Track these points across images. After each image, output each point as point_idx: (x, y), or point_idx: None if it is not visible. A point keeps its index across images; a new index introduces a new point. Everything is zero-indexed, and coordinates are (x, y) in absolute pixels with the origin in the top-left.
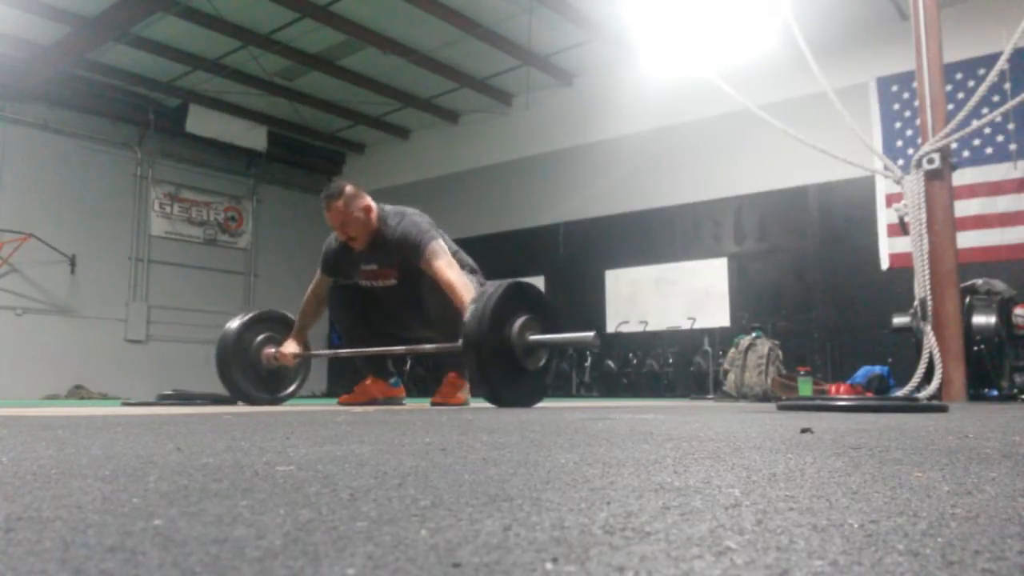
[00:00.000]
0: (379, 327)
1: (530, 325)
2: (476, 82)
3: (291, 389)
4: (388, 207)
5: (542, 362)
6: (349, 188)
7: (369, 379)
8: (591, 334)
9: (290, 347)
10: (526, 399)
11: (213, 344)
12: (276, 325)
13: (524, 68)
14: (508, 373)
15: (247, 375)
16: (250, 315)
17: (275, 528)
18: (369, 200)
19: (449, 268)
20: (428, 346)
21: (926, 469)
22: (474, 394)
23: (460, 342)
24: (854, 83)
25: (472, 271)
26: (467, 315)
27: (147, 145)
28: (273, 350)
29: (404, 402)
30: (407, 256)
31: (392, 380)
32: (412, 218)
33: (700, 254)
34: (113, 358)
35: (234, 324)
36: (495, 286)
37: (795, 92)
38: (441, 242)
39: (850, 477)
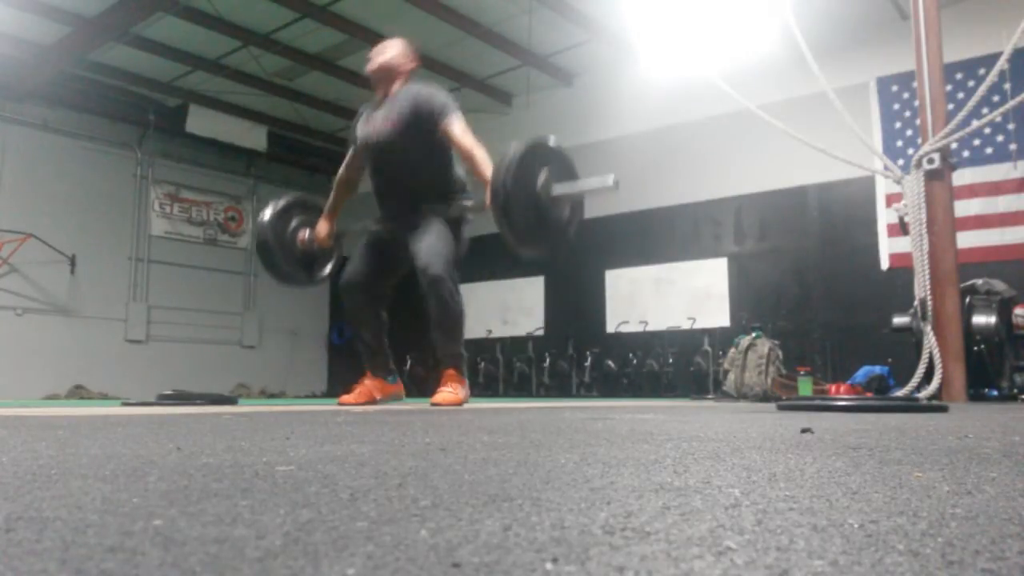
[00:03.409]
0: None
1: (553, 179)
2: (476, 82)
3: (327, 271)
4: None
5: (566, 214)
6: (414, 49)
7: (367, 378)
8: (609, 176)
9: (324, 227)
10: (550, 248)
11: (213, 344)
12: (309, 210)
13: (524, 68)
14: (533, 222)
15: (286, 258)
16: (284, 200)
17: (275, 528)
18: (415, 65)
19: (467, 134)
20: (460, 200)
21: (926, 469)
22: (509, 244)
23: (486, 197)
24: (854, 83)
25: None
26: (494, 168)
27: (147, 145)
28: (308, 232)
29: (404, 398)
30: (425, 114)
31: (390, 377)
32: (443, 89)
33: (700, 254)
34: (113, 358)
35: (269, 211)
36: (518, 142)
37: (795, 92)
38: (462, 115)
39: (850, 477)
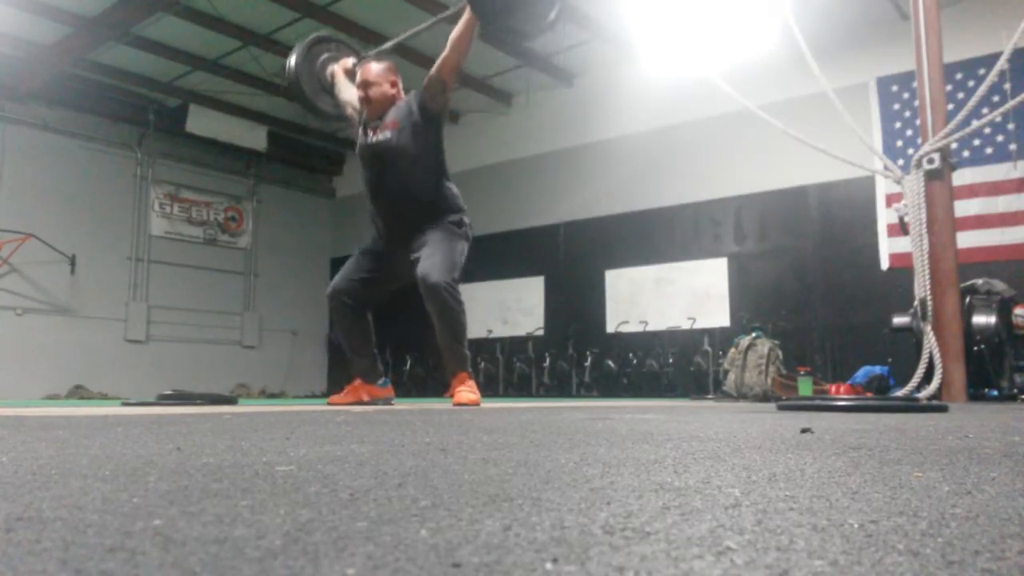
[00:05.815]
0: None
1: None
2: (476, 82)
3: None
4: None
5: None
6: (392, 64)
7: (357, 381)
8: None
9: (349, 61)
10: (526, 31)
11: (213, 344)
12: (337, 45)
13: (524, 68)
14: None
15: (314, 89)
16: (312, 36)
17: (275, 528)
18: (400, 82)
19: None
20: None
21: (926, 469)
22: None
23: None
24: (854, 83)
25: (460, 208)
26: None
27: (147, 145)
28: (335, 66)
29: (393, 401)
30: (418, 101)
31: (380, 381)
32: None
33: (700, 254)
34: (113, 358)
35: (298, 48)
36: None
37: (795, 92)
38: None
39: (850, 477)
